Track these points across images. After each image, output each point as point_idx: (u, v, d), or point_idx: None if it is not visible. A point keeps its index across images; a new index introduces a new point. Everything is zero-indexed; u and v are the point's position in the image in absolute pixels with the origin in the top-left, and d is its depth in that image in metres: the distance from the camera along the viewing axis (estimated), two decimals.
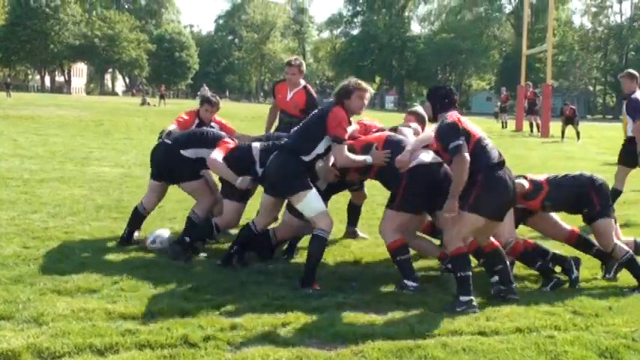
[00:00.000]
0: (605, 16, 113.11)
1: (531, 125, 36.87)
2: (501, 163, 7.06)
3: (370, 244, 9.66)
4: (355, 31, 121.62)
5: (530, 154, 24.15)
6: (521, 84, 41.88)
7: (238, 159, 8.51)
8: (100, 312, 6.38)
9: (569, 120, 33.43)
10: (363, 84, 7.82)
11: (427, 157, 7.66)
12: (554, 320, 6.48)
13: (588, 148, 26.77)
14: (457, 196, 6.88)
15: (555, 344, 5.85)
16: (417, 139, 7.89)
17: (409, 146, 7.72)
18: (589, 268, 8.56)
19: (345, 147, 7.68)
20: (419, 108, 8.80)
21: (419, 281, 7.62)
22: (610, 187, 9.14)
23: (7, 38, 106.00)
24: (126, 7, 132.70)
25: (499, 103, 47.34)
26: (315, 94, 10.44)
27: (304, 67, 10.37)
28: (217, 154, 8.56)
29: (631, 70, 12.66)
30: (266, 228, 8.29)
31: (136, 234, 9.26)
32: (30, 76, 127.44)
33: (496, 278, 7.43)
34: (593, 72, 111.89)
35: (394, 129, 8.46)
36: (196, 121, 9.74)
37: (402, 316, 6.60)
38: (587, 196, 8.01)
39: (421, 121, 8.79)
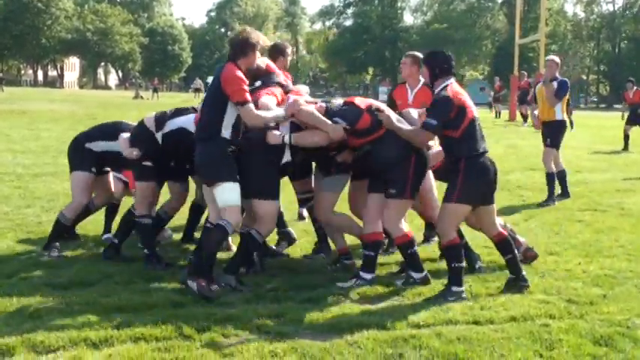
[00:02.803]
0: (597, 4, 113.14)
1: (523, 115, 36.78)
2: (485, 152, 7.07)
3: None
4: (348, 23, 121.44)
5: (523, 143, 24.16)
6: (515, 73, 41.87)
7: (135, 133, 8.25)
8: (94, 306, 6.38)
9: None
10: (260, 35, 7.44)
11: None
12: (549, 309, 6.49)
13: (581, 137, 26.78)
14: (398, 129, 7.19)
15: (550, 333, 5.86)
16: None
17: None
18: (582, 257, 8.58)
19: (252, 107, 7.07)
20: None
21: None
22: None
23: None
24: (117, 0, 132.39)
25: (492, 93, 47.32)
26: None
27: None
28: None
29: (557, 57, 13.50)
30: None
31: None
32: (22, 71, 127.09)
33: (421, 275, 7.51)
34: (586, 61, 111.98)
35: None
36: None
37: (396, 306, 6.61)
38: None
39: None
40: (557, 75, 13.12)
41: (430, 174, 8.07)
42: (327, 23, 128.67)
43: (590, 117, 49.47)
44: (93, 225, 9.69)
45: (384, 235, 7.74)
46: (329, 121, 7.26)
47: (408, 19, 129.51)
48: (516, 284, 7.17)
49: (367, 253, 7.52)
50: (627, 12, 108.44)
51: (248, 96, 7.05)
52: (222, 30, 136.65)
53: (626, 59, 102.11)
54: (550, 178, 12.93)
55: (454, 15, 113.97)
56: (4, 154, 17.51)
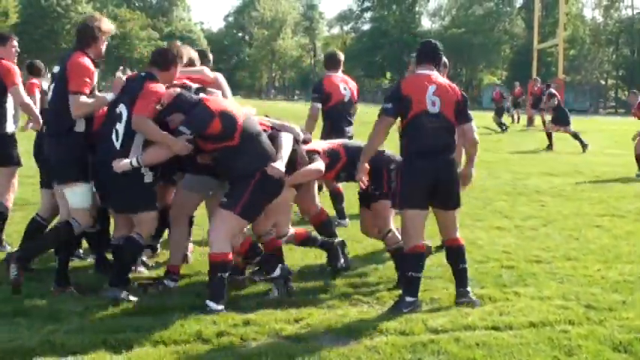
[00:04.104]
0: (616, 9, 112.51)
1: (529, 120, 36.75)
2: (429, 152, 6.67)
3: None
4: (365, 27, 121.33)
5: (541, 148, 24.06)
6: (533, 78, 41.82)
7: None
8: (113, 308, 6.42)
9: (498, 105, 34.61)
10: (106, 22, 7.13)
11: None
12: (568, 315, 6.46)
13: (598, 142, 26.65)
14: (366, 159, 6.92)
15: (569, 339, 5.84)
16: None
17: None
18: (601, 262, 8.55)
19: (82, 97, 6.73)
20: None
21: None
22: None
23: (19, 37, 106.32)
24: (136, 5, 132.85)
25: (510, 98, 47.13)
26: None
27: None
28: None
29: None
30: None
31: None
32: (47, 75, 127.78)
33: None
34: (604, 66, 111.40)
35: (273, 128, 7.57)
36: None
37: (415, 311, 6.59)
38: (380, 174, 7.53)
39: None
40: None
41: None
42: (345, 28, 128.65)
43: (608, 122, 49.15)
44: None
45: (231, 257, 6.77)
46: (169, 136, 6.55)
47: (426, 23, 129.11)
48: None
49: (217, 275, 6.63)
50: None
51: (85, 88, 6.75)
52: (240, 34, 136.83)
53: None
54: None
55: (472, 20, 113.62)
56: (24, 158, 17.53)
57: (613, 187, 15.37)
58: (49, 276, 7.35)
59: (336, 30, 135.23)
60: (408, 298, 6.65)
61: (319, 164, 7.43)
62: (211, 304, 6.44)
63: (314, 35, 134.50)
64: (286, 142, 7.07)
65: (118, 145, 6.66)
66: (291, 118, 8.17)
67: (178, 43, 7.30)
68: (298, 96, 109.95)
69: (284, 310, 6.49)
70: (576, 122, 33.46)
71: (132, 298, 6.74)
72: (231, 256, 6.64)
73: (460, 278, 6.94)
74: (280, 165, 6.77)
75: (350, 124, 10.54)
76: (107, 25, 7.06)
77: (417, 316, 6.39)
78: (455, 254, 7.00)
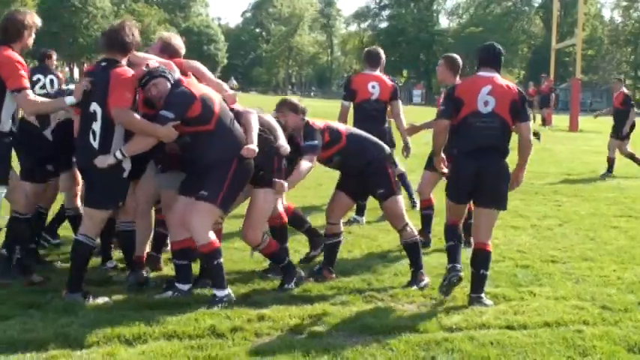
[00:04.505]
0: (635, 9, 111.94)
1: (543, 120, 36.57)
2: (474, 151, 6.83)
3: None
4: (383, 25, 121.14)
5: (559, 148, 23.98)
6: (550, 78, 41.70)
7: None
8: (127, 303, 6.44)
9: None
10: (34, 16, 6.87)
11: None
12: (583, 315, 6.44)
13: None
14: (438, 157, 7.20)
15: (584, 339, 5.82)
16: None
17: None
18: (617, 263, 8.51)
19: (29, 93, 6.54)
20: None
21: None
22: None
23: (37, 31, 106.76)
24: (154, 0, 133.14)
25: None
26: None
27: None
28: None
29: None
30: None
31: None
32: (59, 69, 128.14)
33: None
34: (622, 66, 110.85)
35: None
36: None
37: (429, 309, 6.60)
38: (385, 173, 7.66)
39: None
40: None
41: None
42: (362, 25, 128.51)
43: None
44: None
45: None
46: (153, 124, 6.46)
47: (444, 22, 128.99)
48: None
49: (179, 262, 6.91)
50: None
51: (25, 82, 6.53)
52: (258, 30, 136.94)
53: None
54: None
55: (490, 19, 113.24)
56: None
57: (629, 187, 15.31)
58: (62, 270, 7.38)
59: (353, 27, 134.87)
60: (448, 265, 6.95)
61: (306, 163, 7.34)
62: (218, 292, 6.55)
63: (331, 32, 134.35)
64: (254, 121, 7.05)
65: (96, 144, 6.48)
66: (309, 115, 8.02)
67: (129, 22, 6.97)
68: (315, 92, 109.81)
69: (298, 306, 6.50)
70: (593, 122, 33.30)
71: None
72: (217, 242, 6.66)
73: (477, 283, 6.89)
74: (254, 146, 6.77)
75: (378, 123, 10.07)
76: (31, 20, 6.78)
77: (432, 314, 6.39)
78: (479, 259, 6.95)
